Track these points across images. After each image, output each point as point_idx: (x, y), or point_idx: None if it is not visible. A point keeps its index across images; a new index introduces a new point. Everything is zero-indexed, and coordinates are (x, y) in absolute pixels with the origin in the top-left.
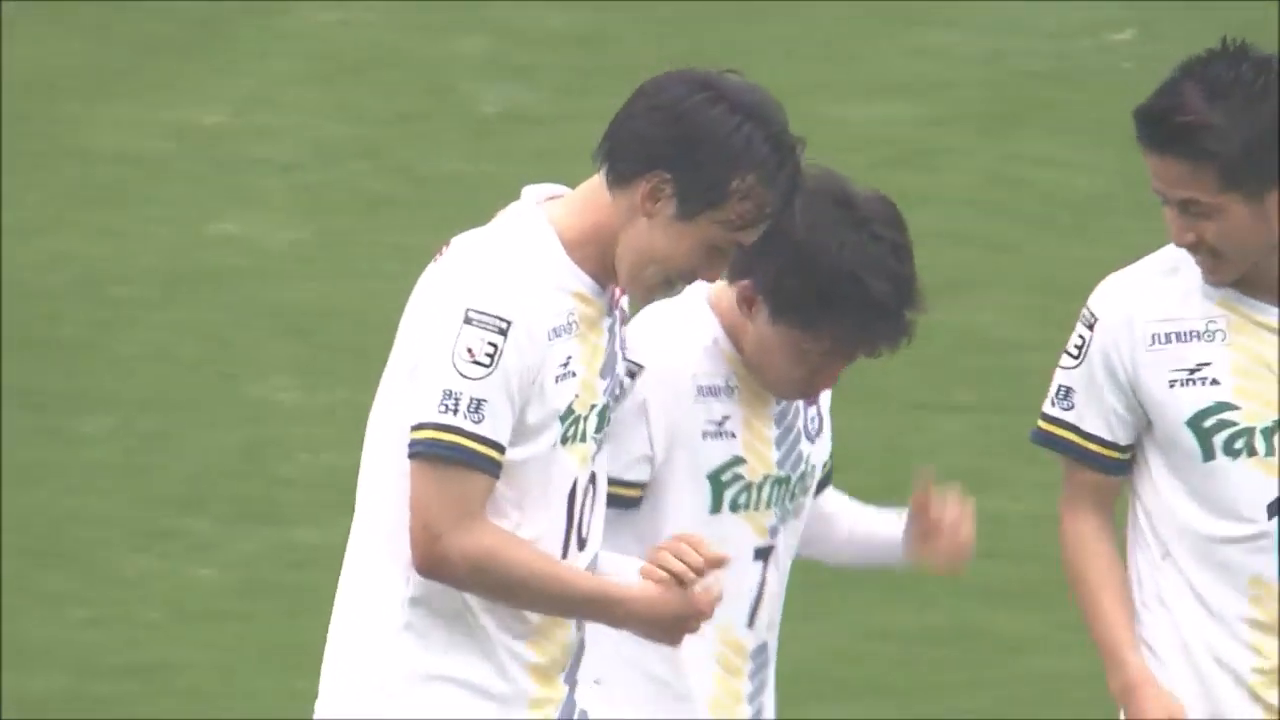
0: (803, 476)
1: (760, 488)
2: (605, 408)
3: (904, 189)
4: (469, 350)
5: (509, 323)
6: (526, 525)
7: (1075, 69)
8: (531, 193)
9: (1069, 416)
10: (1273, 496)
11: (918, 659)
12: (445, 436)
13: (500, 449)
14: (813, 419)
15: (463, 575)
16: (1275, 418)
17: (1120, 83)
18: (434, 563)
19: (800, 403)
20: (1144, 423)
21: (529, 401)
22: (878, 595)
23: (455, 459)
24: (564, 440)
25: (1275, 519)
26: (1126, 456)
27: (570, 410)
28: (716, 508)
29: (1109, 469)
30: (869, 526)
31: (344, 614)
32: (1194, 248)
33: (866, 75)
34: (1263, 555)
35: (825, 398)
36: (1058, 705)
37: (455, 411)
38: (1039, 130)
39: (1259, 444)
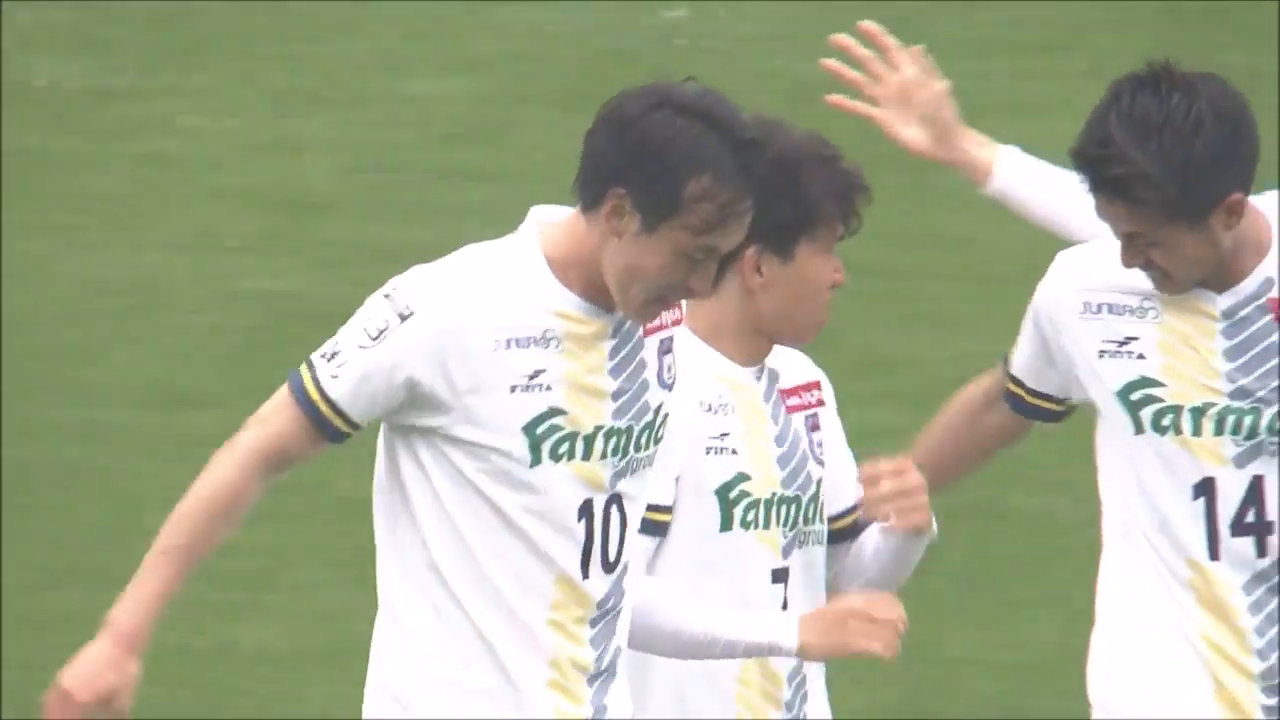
0: (813, 498)
1: (770, 505)
2: (625, 431)
3: (482, 165)
4: (368, 318)
5: (411, 313)
6: (531, 543)
7: (634, 46)
8: (536, 213)
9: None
10: (1198, 477)
11: None
12: (306, 380)
13: (344, 417)
14: (818, 444)
15: (214, 455)
16: (1204, 399)
17: (674, 60)
18: (228, 440)
19: (802, 426)
20: (1066, 382)
21: (469, 408)
22: None
23: (295, 393)
24: (553, 457)
25: (1201, 499)
26: (1022, 391)
27: (547, 425)
28: (727, 526)
29: (1009, 398)
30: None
31: (376, 626)
32: (1144, 268)
33: (446, 52)
34: (1192, 534)
35: (835, 427)
36: None
37: (328, 360)
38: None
39: (1185, 423)
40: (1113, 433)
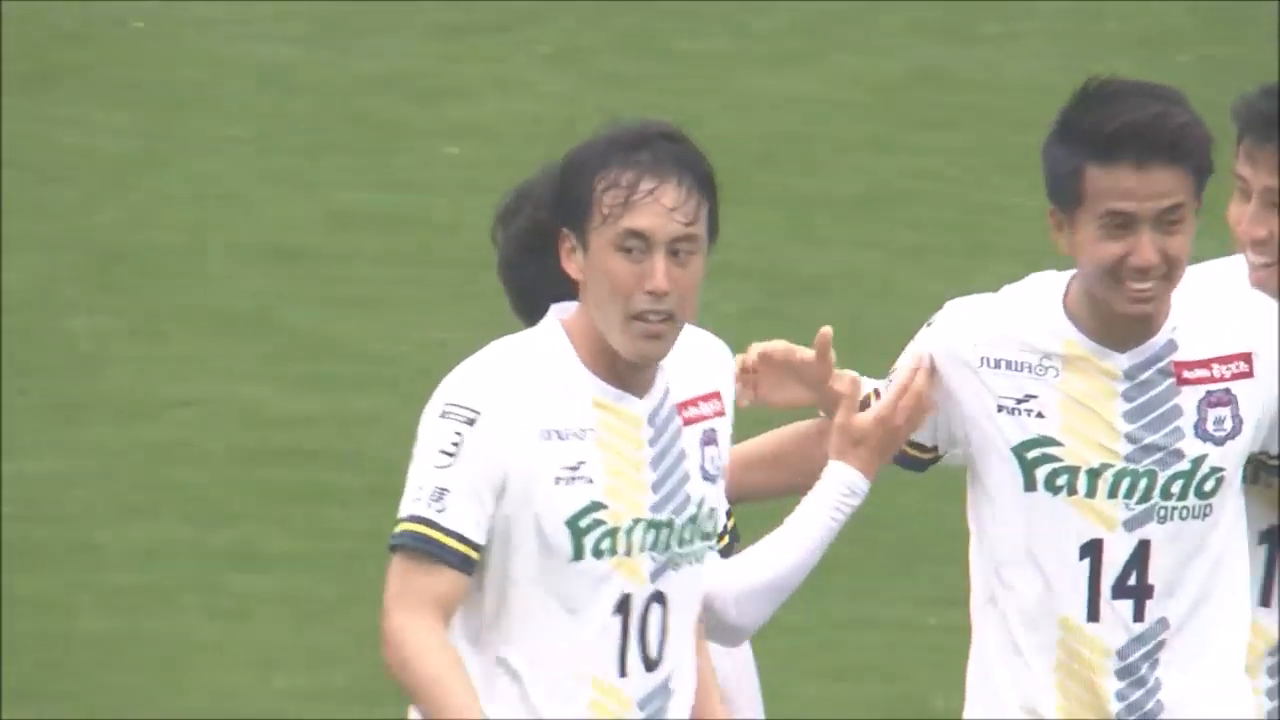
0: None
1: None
2: (666, 524)
3: None
4: (436, 442)
5: (477, 414)
6: (562, 635)
7: (97, 29)
8: (554, 309)
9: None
10: (1086, 538)
11: None
12: (411, 527)
13: (465, 540)
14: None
15: (388, 658)
16: (1101, 460)
17: (136, 44)
18: (382, 639)
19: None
20: (947, 431)
21: (520, 500)
22: None
23: (417, 547)
24: (595, 553)
25: (1086, 560)
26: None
27: (590, 520)
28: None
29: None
30: None
31: None
32: (1148, 272)
33: None
34: (1072, 595)
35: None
36: (76, 667)
37: (420, 500)
38: (65, 90)
39: (1081, 484)
40: (997, 487)
